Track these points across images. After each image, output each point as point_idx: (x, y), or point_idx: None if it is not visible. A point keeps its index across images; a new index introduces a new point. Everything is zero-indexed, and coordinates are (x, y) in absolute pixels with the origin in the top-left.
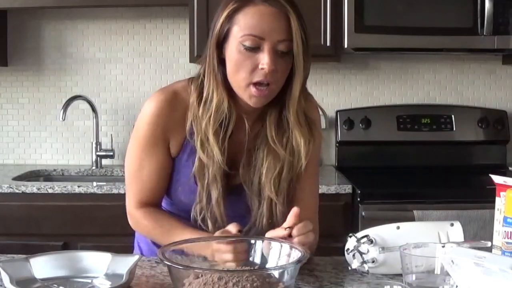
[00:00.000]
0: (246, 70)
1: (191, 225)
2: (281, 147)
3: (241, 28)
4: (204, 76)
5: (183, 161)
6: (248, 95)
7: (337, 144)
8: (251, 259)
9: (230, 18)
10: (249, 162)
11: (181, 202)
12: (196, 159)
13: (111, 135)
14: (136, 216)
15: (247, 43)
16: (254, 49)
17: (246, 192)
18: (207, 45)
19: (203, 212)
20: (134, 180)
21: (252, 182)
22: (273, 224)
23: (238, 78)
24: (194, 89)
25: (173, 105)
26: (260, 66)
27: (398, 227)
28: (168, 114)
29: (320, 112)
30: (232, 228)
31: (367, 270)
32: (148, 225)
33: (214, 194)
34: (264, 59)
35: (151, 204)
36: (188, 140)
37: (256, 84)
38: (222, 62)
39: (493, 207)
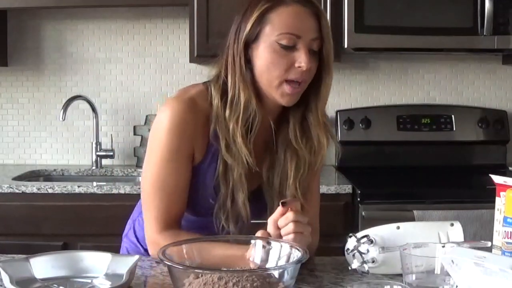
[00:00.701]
0: (281, 68)
1: (218, 240)
2: (304, 147)
3: (276, 27)
4: (226, 78)
5: (204, 167)
6: (280, 93)
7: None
8: (251, 259)
9: (261, 18)
10: (273, 163)
11: (196, 209)
12: (219, 163)
13: (111, 135)
14: (159, 242)
15: (284, 42)
16: (290, 47)
17: (264, 195)
18: (229, 46)
19: (226, 214)
20: (157, 197)
21: (273, 183)
22: None
23: (271, 76)
24: (216, 92)
25: (194, 112)
26: (297, 65)
27: (398, 227)
28: (191, 122)
29: None
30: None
31: (367, 270)
32: None
33: (241, 196)
34: (301, 57)
35: (175, 222)
36: (211, 146)
37: (289, 81)
38: (247, 62)
39: (493, 207)
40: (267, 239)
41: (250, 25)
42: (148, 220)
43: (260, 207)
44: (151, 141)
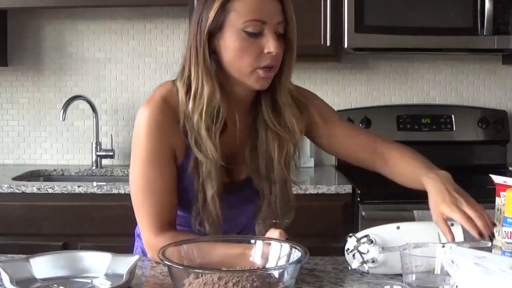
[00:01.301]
0: (251, 55)
1: (219, 240)
2: (282, 128)
3: (241, 14)
4: (190, 71)
5: (188, 164)
6: (254, 79)
7: None
8: (251, 259)
9: (224, 6)
10: (255, 147)
11: (189, 209)
12: (191, 157)
13: (111, 135)
14: (158, 245)
15: (250, 29)
16: (257, 34)
17: (251, 184)
18: (192, 39)
19: (200, 215)
20: (147, 199)
21: (259, 168)
22: (276, 223)
23: (242, 65)
24: (182, 87)
25: (166, 111)
26: (266, 51)
27: (398, 227)
28: (164, 122)
29: None
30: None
31: (367, 270)
32: None
33: (209, 191)
34: (269, 43)
35: (169, 224)
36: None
37: (263, 67)
38: (211, 52)
39: (493, 207)
40: (274, 239)
41: (213, 14)
42: (142, 224)
43: (244, 197)
44: (133, 148)
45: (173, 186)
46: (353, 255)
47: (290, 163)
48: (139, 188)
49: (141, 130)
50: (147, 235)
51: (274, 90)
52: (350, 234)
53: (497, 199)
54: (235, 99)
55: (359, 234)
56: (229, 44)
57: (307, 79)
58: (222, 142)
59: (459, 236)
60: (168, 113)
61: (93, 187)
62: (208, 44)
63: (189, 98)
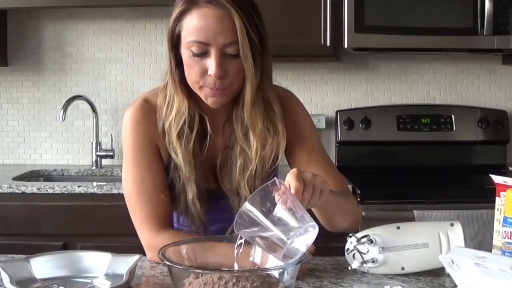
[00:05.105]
0: (196, 75)
1: (219, 240)
2: (248, 146)
3: (188, 33)
4: (168, 78)
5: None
6: (204, 96)
7: (337, 144)
8: (251, 259)
9: (178, 20)
10: (226, 162)
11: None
12: (171, 160)
13: (111, 135)
14: (157, 244)
15: (194, 49)
16: (202, 54)
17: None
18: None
19: (183, 215)
20: (140, 198)
21: (230, 181)
22: None
23: (190, 81)
24: (162, 91)
25: (147, 112)
26: (208, 72)
27: (398, 227)
28: (145, 122)
29: None
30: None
31: (367, 270)
32: None
33: (190, 195)
34: (211, 65)
35: (166, 222)
36: None
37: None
38: (180, 62)
39: (493, 207)
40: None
41: (170, 27)
42: (138, 224)
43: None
44: (123, 150)
45: (163, 184)
46: (353, 255)
47: (256, 181)
48: (131, 187)
49: (126, 131)
50: (146, 234)
51: (242, 107)
52: (350, 234)
53: (497, 199)
54: (209, 110)
55: (359, 234)
56: (183, 58)
57: (307, 79)
58: (203, 148)
59: (459, 236)
60: (149, 112)
61: (93, 187)
62: (176, 53)
63: (164, 104)
